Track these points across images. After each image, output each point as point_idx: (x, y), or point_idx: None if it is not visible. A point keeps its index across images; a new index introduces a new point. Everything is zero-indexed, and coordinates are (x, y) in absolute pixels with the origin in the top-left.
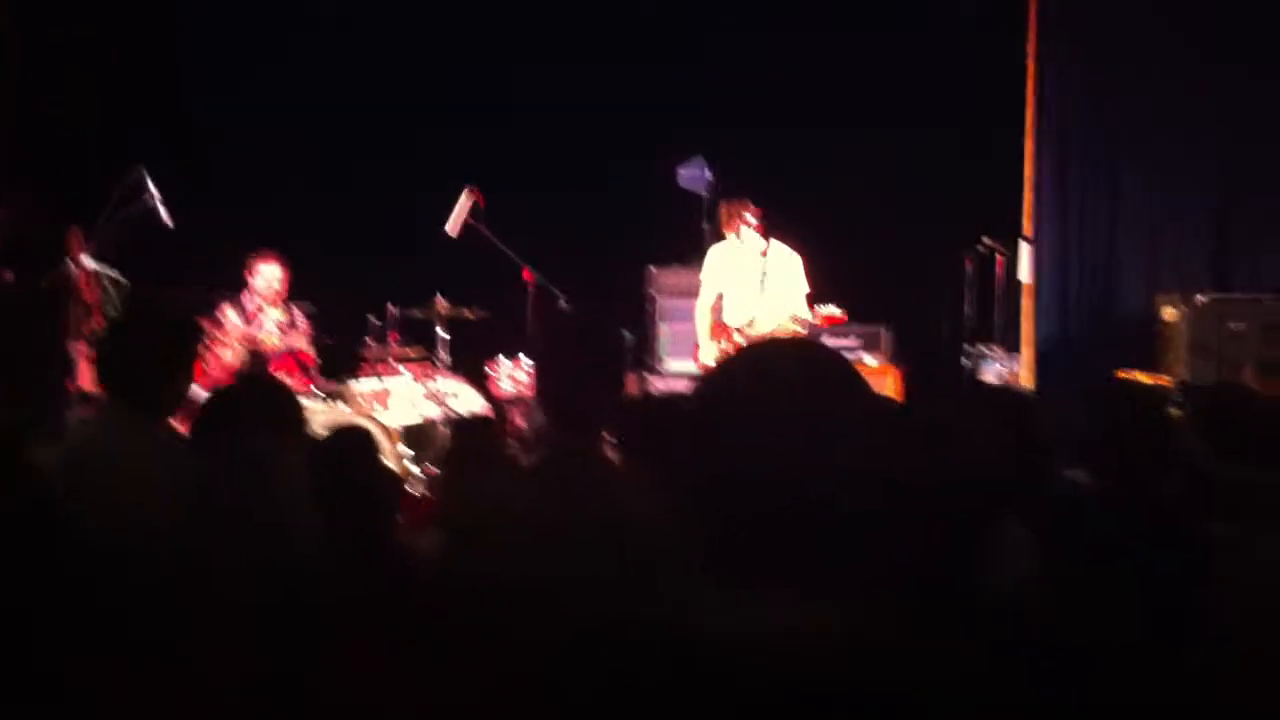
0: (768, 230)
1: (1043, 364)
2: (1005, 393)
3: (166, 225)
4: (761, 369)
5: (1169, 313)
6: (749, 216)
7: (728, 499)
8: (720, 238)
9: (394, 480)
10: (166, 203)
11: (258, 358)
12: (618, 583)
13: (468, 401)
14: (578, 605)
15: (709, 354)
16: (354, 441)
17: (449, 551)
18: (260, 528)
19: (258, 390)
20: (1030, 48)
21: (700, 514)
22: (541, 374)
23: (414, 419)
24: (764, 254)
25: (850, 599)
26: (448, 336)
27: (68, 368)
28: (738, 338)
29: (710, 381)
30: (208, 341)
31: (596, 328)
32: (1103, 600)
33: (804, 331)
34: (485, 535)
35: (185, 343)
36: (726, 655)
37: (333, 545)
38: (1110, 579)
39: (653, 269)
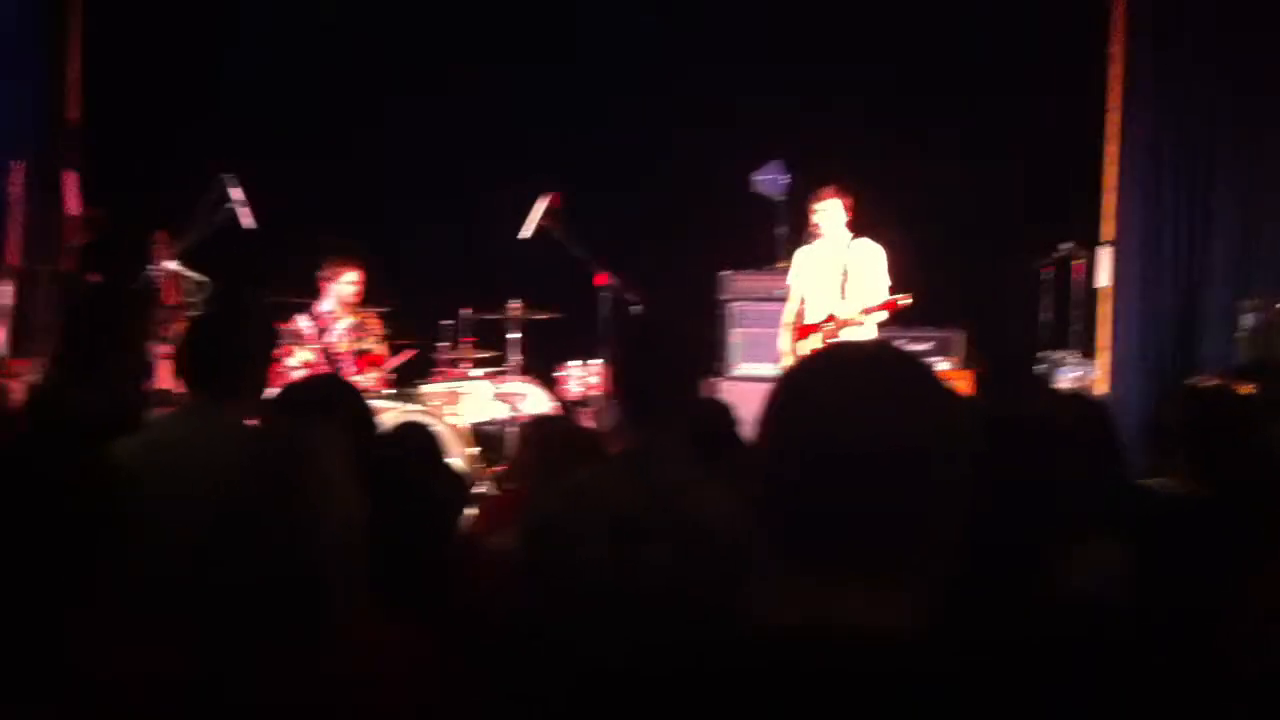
0: (856, 225)
1: (1119, 371)
2: (1081, 400)
3: (248, 227)
4: (835, 367)
5: (1249, 319)
6: (824, 206)
7: (801, 492)
8: (799, 241)
9: (457, 478)
10: (249, 206)
11: (332, 361)
12: (700, 577)
13: (537, 403)
14: (659, 598)
15: (788, 356)
16: (416, 438)
17: (525, 548)
18: (310, 515)
19: (324, 385)
20: (1115, 48)
21: (774, 507)
22: (617, 371)
23: (484, 420)
24: (847, 251)
25: (926, 593)
26: (519, 338)
27: (148, 368)
28: (816, 339)
29: (785, 379)
30: (282, 346)
31: (672, 326)
32: (1197, 609)
33: (862, 322)
34: (563, 531)
35: (265, 341)
36: (801, 645)
37: (390, 541)
38: (1208, 587)
39: (725, 273)
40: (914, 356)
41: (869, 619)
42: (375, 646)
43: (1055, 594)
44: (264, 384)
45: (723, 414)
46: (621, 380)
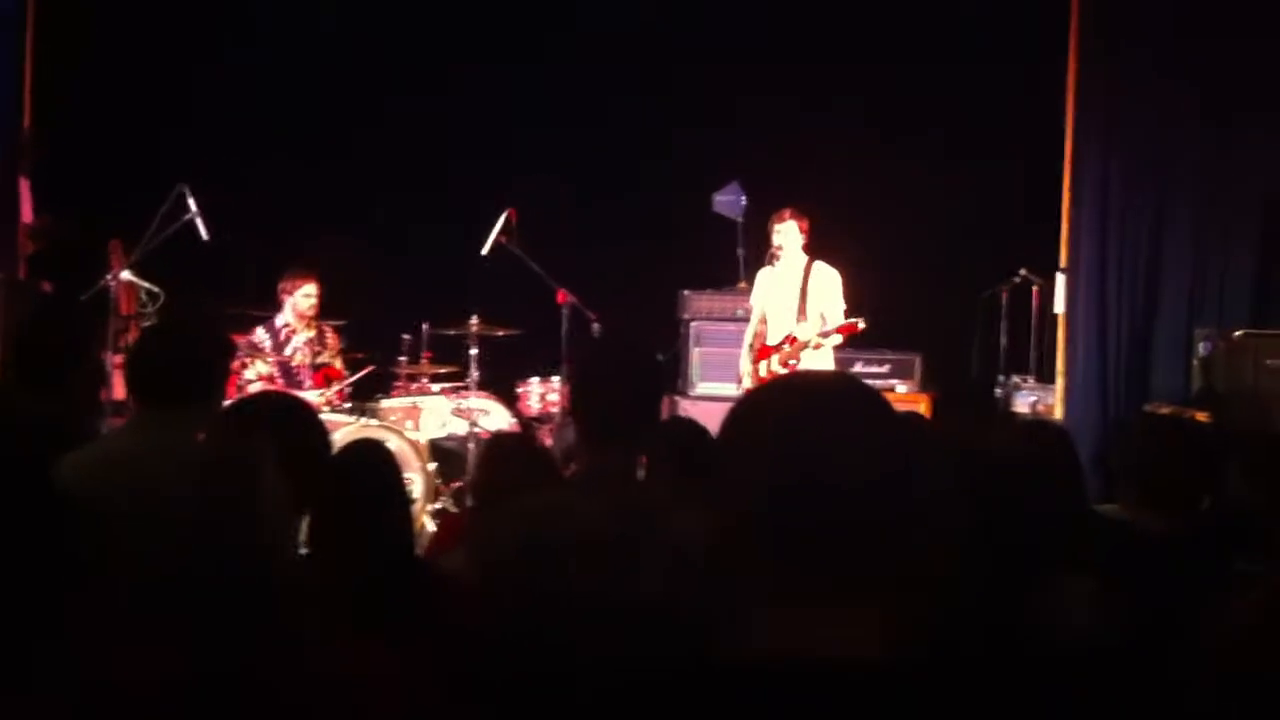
0: (813, 248)
1: (1075, 396)
2: (1043, 427)
3: (204, 237)
4: (792, 395)
5: (1203, 349)
6: (783, 227)
7: (763, 520)
8: (760, 262)
9: (405, 498)
10: (205, 218)
11: (289, 374)
12: (661, 601)
13: (497, 419)
14: (621, 623)
15: (749, 377)
16: (367, 454)
17: (481, 568)
18: (254, 531)
19: (274, 402)
20: (1070, 76)
21: (737, 535)
22: (577, 392)
23: (443, 435)
24: (805, 273)
25: (895, 621)
26: (479, 354)
27: (102, 378)
28: (775, 360)
29: (741, 406)
30: (239, 359)
31: (633, 347)
32: (1168, 641)
33: (820, 345)
34: (521, 552)
35: (217, 354)
36: (772, 674)
37: (343, 558)
38: (1174, 620)
39: (686, 293)
40: (867, 386)
41: (837, 648)
42: (338, 665)
43: (1028, 624)
44: (217, 397)
45: (698, 435)
46: (581, 399)
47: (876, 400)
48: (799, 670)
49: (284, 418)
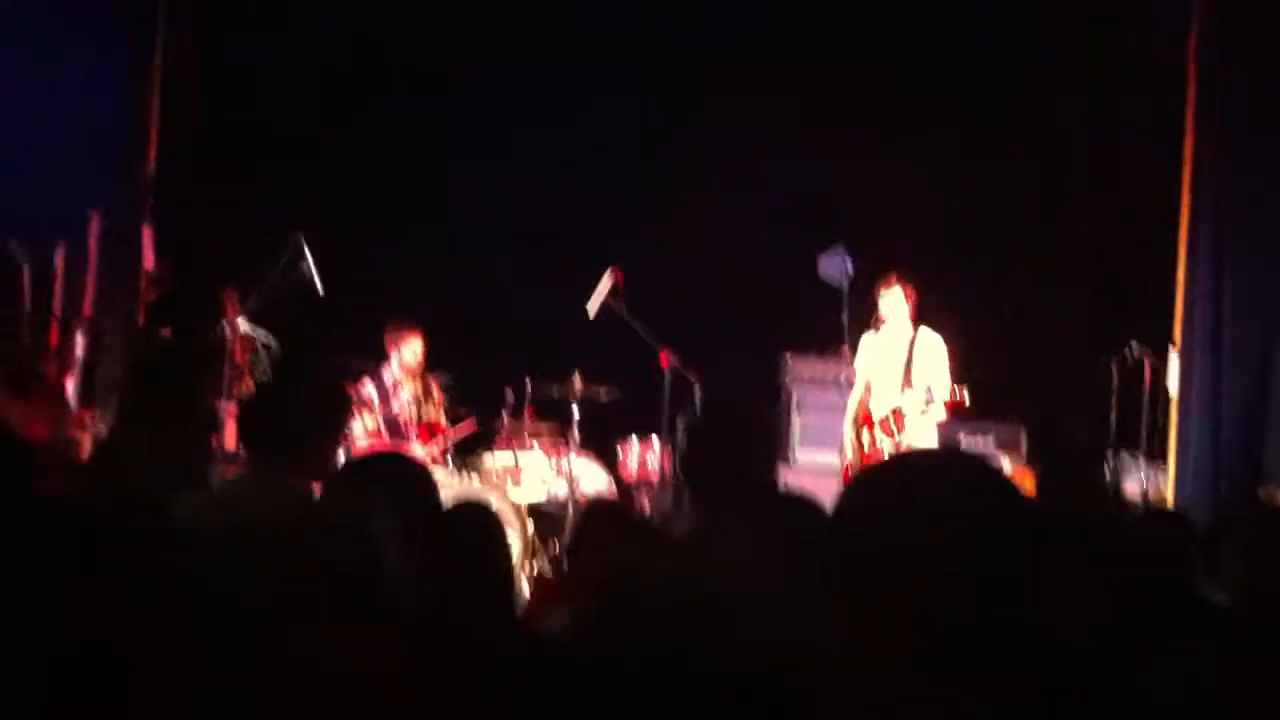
0: (920, 315)
1: (1187, 476)
2: (1166, 518)
3: (319, 293)
4: (908, 478)
5: None
6: (889, 293)
7: (871, 604)
8: (864, 327)
9: (508, 561)
10: (321, 271)
11: (395, 429)
12: (759, 668)
13: (596, 481)
14: (719, 689)
15: (851, 445)
16: (477, 518)
17: (581, 629)
18: (364, 586)
19: (393, 464)
20: (1187, 151)
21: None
22: (690, 451)
23: (542, 497)
24: (912, 342)
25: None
26: (580, 415)
27: (216, 426)
28: (878, 430)
29: (855, 489)
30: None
31: (752, 411)
32: None
33: (925, 410)
34: (613, 603)
35: (333, 409)
36: None
37: (447, 619)
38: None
39: (789, 357)
40: (984, 461)
41: None
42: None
43: (1135, 702)
44: (331, 451)
45: (814, 513)
46: (691, 462)
47: (989, 475)
48: None
49: (403, 479)
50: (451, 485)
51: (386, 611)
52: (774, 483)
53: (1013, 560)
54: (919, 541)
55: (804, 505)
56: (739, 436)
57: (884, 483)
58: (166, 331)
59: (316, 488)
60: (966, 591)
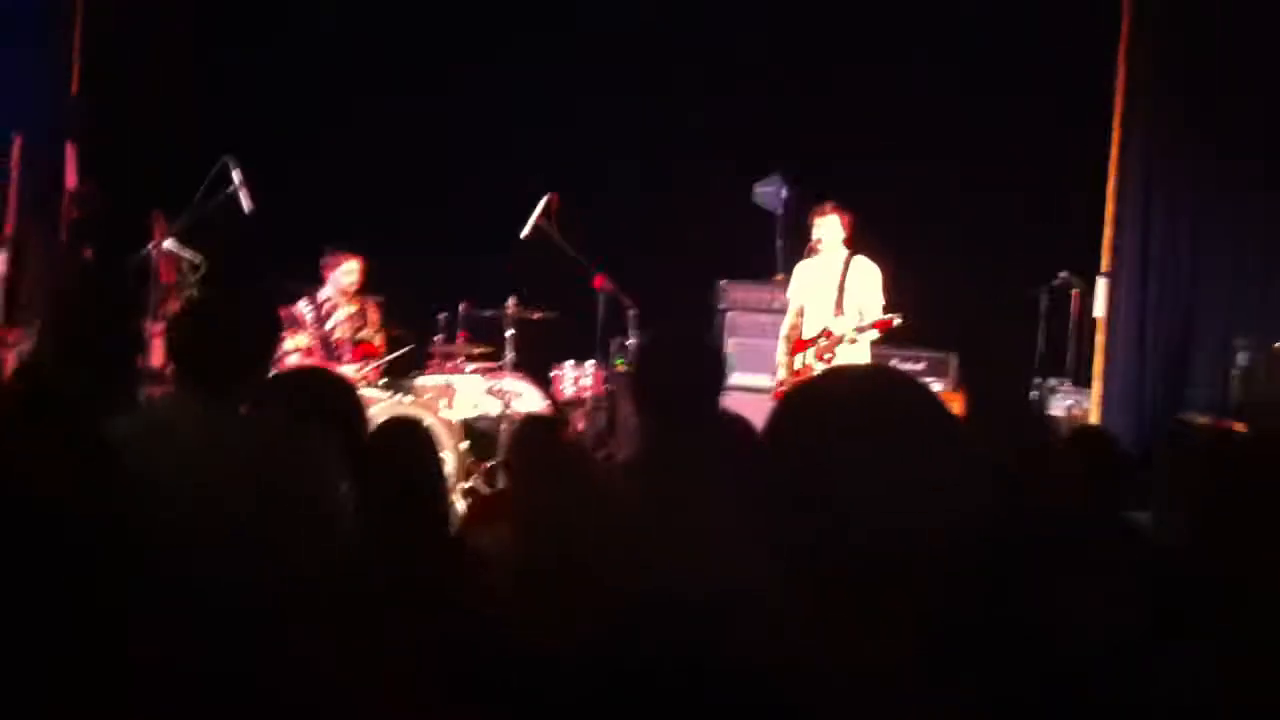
0: (854, 243)
1: (1111, 401)
2: (1090, 431)
3: (246, 210)
4: (837, 396)
5: (1243, 358)
6: (824, 221)
7: (804, 531)
8: (798, 255)
9: (441, 474)
10: (249, 190)
11: (329, 348)
12: (702, 601)
13: (530, 401)
14: (657, 617)
15: (784, 369)
16: (406, 434)
17: (522, 547)
18: (306, 509)
19: (317, 380)
20: (1119, 80)
21: (779, 545)
22: (639, 373)
23: (476, 416)
24: (845, 267)
25: (919, 634)
26: (514, 336)
27: (142, 346)
28: (810, 353)
29: (785, 409)
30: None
31: (701, 334)
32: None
33: (855, 339)
34: (563, 533)
35: (266, 335)
36: (803, 686)
37: (379, 535)
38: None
39: (723, 283)
40: (915, 381)
41: (861, 654)
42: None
43: (1046, 626)
44: (263, 372)
45: (744, 429)
46: (642, 386)
47: (918, 392)
48: (820, 675)
49: (328, 395)
50: (383, 405)
51: (331, 528)
52: (720, 409)
53: (943, 470)
54: (848, 454)
55: (736, 423)
56: (695, 360)
57: (814, 395)
58: (88, 251)
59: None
60: (899, 507)
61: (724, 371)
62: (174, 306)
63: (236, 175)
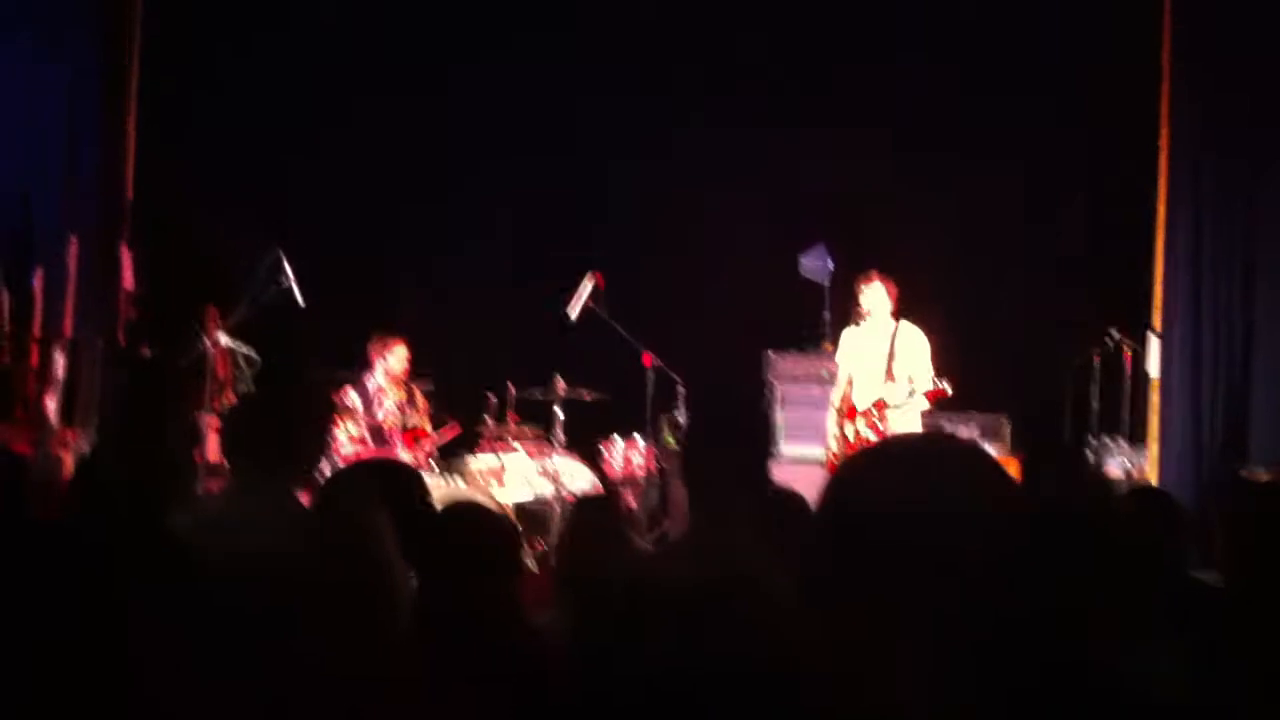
0: (901, 311)
1: (1169, 459)
2: (1147, 493)
3: (299, 305)
4: (892, 463)
5: None
6: (870, 289)
7: (863, 604)
8: (844, 323)
9: (514, 552)
10: (300, 283)
11: (380, 437)
12: (767, 674)
13: (581, 480)
14: (726, 694)
15: (835, 439)
16: (472, 516)
17: (578, 629)
18: (374, 597)
19: (380, 468)
20: (1163, 140)
21: (838, 610)
22: (690, 451)
23: (528, 497)
24: (893, 335)
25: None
26: (564, 416)
27: (198, 440)
28: (861, 422)
29: (840, 478)
30: (332, 419)
31: (740, 410)
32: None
33: (906, 403)
34: (619, 610)
35: (316, 420)
36: None
37: (444, 618)
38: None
39: (771, 354)
40: (973, 445)
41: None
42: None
43: (1113, 691)
44: (315, 461)
45: (798, 505)
46: (691, 460)
47: (975, 456)
48: None
49: (393, 482)
50: (438, 488)
51: (396, 618)
52: (768, 482)
53: (1013, 546)
54: (907, 521)
55: (790, 499)
56: (737, 435)
57: (871, 465)
58: (146, 350)
59: (303, 498)
60: (961, 573)
61: (770, 445)
62: (229, 399)
63: (288, 269)
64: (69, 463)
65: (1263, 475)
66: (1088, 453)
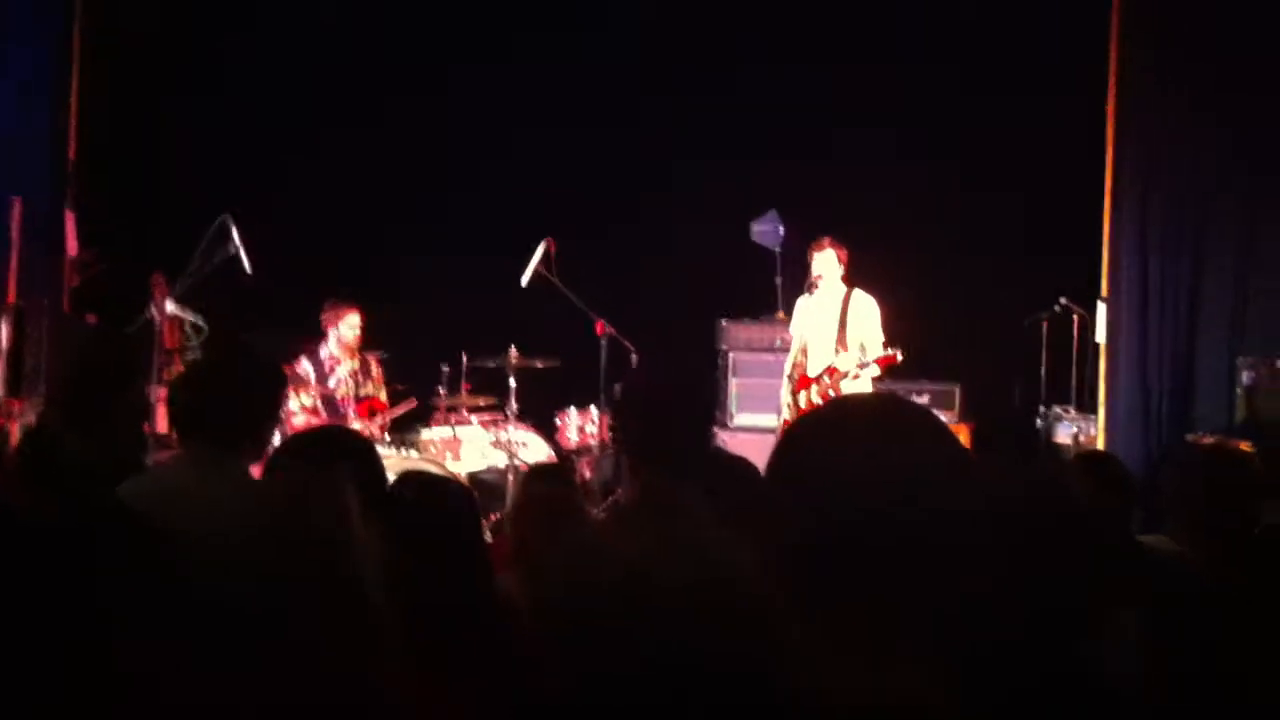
0: (852, 277)
1: (1117, 426)
2: (1096, 456)
3: (247, 272)
4: (844, 424)
5: (1246, 378)
6: (822, 255)
7: (815, 559)
8: (797, 291)
9: (474, 517)
10: (248, 250)
11: (333, 406)
12: (718, 637)
13: (536, 451)
14: (678, 658)
15: (789, 408)
16: (427, 483)
17: (536, 596)
18: (328, 560)
19: (333, 436)
20: (1110, 108)
21: (791, 573)
22: (625, 416)
23: (482, 467)
24: (845, 302)
25: (949, 663)
26: (517, 385)
27: (147, 411)
28: (814, 390)
29: (791, 438)
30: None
31: (685, 370)
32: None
33: (858, 375)
34: (571, 580)
35: (268, 391)
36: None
37: (412, 587)
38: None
39: (724, 323)
40: (922, 408)
41: (892, 696)
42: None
43: (1078, 663)
44: (268, 434)
45: (746, 471)
46: (629, 430)
47: (925, 418)
48: (856, 712)
49: (345, 450)
50: (391, 460)
51: (364, 592)
52: (707, 446)
53: (955, 495)
54: (857, 480)
55: (736, 462)
56: (670, 402)
57: (822, 425)
58: (92, 317)
59: (254, 470)
60: (910, 533)
61: (710, 409)
62: (177, 370)
63: (236, 237)
64: (15, 433)
65: (1208, 440)
66: (1037, 419)
